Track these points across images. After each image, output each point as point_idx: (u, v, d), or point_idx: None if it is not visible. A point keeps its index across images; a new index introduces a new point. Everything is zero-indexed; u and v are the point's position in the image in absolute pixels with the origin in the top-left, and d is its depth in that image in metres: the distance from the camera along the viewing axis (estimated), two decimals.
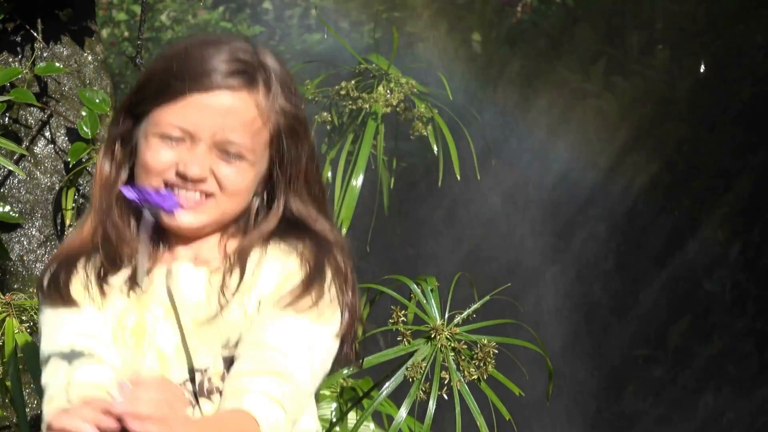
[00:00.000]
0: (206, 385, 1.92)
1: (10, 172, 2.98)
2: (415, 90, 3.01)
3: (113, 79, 3.22)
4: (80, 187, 3.04)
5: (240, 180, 1.94)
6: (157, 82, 1.95)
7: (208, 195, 1.94)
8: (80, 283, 1.97)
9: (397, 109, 3.00)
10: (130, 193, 1.91)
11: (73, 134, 3.05)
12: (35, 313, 2.31)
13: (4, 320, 2.38)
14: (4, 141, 2.82)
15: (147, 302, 1.95)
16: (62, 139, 3.06)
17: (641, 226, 5.80)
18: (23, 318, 2.31)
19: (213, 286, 1.94)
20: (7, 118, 3.02)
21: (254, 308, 1.93)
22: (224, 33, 2.10)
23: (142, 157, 1.95)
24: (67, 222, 2.97)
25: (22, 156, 3.00)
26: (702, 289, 5.59)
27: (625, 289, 5.84)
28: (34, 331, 2.32)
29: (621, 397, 5.76)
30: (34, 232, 3.01)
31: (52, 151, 3.05)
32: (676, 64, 5.63)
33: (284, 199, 1.99)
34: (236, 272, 1.94)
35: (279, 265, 1.95)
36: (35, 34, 3.02)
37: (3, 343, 2.32)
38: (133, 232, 1.97)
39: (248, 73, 1.95)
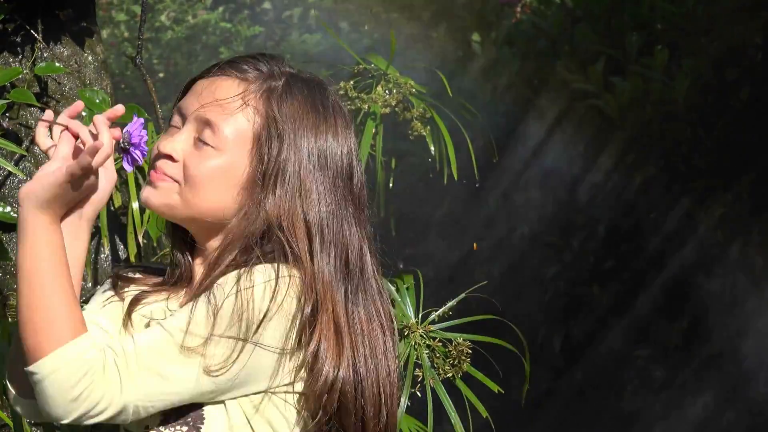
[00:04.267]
0: None
1: (11, 173, 2.98)
2: (414, 90, 3.01)
3: (113, 79, 3.22)
4: None
5: (200, 165, 1.87)
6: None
7: (172, 178, 1.89)
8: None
9: (396, 109, 3.00)
10: (135, 119, 1.91)
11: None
12: None
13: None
14: (3, 142, 2.82)
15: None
16: None
17: (640, 225, 5.80)
18: None
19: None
20: (7, 119, 3.03)
21: None
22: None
23: None
24: None
25: (22, 156, 3.00)
26: (702, 289, 5.60)
27: (625, 289, 5.84)
28: None
29: (621, 397, 5.77)
30: None
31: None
32: (675, 64, 5.63)
33: (259, 212, 1.86)
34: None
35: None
36: (35, 35, 3.02)
37: None
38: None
39: (251, 67, 1.92)
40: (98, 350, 1.75)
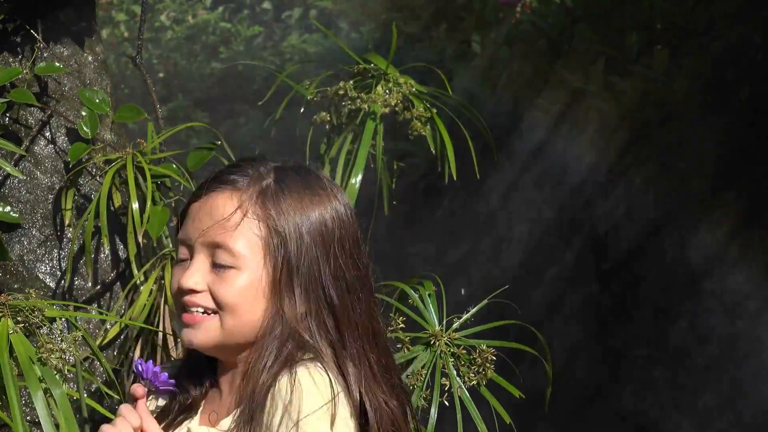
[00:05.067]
0: None
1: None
2: (414, 90, 3.02)
3: (113, 79, 3.22)
4: (80, 188, 3.05)
5: (229, 290, 1.88)
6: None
7: (209, 311, 1.90)
8: None
9: (396, 108, 3.00)
10: (137, 368, 1.90)
11: (73, 134, 3.05)
12: (30, 314, 2.31)
13: None
14: (3, 142, 2.83)
15: None
16: (62, 139, 3.07)
17: (640, 225, 5.80)
18: (18, 319, 2.31)
19: None
20: (7, 119, 3.03)
21: None
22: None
23: None
24: (66, 222, 2.98)
25: (21, 156, 3.00)
26: (701, 289, 5.59)
27: (625, 289, 5.84)
28: (30, 332, 2.33)
29: (621, 397, 5.77)
30: (34, 232, 3.01)
31: (52, 151, 3.06)
32: (675, 64, 5.63)
33: (288, 314, 1.87)
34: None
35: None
36: (35, 34, 3.02)
37: None
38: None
39: (238, 175, 1.91)
40: None
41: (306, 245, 1.89)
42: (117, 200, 2.99)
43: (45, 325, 2.35)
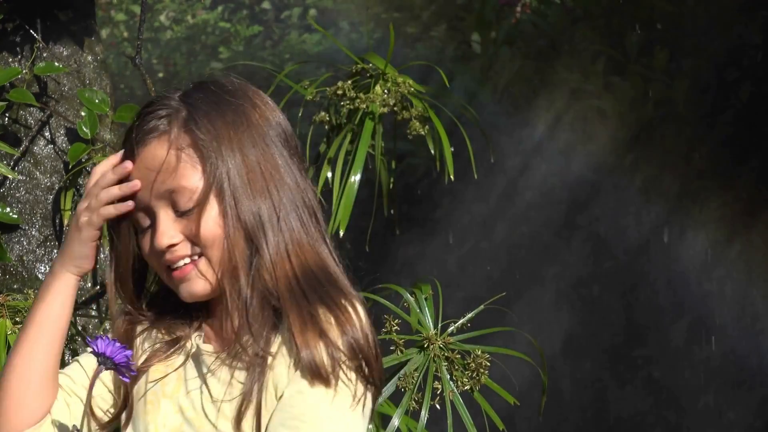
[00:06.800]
0: None
1: None
2: (412, 89, 3.01)
3: (112, 79, 3.22)
4: (80, 188, 3.05)
5: (202, 226, 1.87)
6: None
7: (193, 257, 1.89)
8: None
9: (395, 108, 2.99)
10: (93, 348, 1.83)
11: (72, 134, 3.05)
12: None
13: None
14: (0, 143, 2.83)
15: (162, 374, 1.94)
16: (62, 140, 3.07)
17: (640, 226, 5.80)
18: (17, 319, 2.31)
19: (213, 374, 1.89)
20: (6, 119, 3.03)
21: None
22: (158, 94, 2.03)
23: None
24: (66, 222, 2.98)
25: (21, 156, 3.00)
26: (702, 289, 5.60)
27: (625, 288, 5.84)
28: None
29: (621, 397, 5.77)
30: (33, 233, 3.01)
31: (52, 151, 3.06)
32: (675, 64, 5.64)
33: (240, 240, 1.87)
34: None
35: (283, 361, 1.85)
36: (35, 34, 3.02)
37: None
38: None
39: (155, 120, 1.91)
40: None
41: (241, 153, 1.89)
42: None
43: None
